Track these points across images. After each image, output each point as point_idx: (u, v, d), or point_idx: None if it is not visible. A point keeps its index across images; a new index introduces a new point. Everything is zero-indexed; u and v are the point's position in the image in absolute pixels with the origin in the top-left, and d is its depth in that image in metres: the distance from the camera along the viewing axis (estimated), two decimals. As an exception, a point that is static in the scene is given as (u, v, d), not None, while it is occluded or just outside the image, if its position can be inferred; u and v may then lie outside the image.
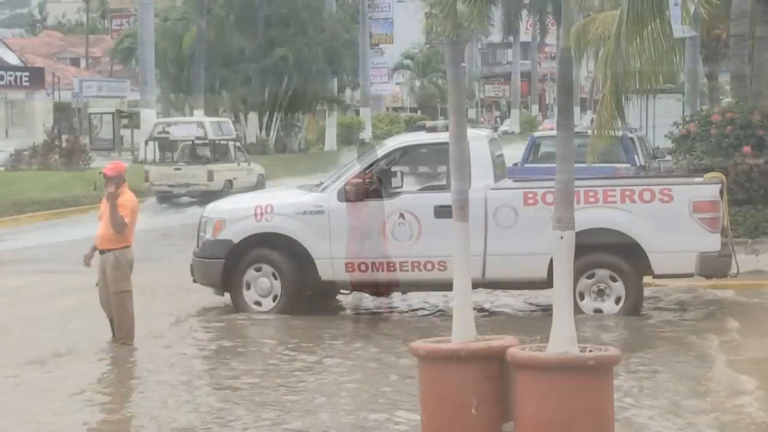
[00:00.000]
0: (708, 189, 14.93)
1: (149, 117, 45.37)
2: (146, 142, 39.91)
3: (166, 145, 36.95)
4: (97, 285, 13.65)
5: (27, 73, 60.26)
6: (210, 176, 34.44)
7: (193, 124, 37.34)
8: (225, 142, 36.67)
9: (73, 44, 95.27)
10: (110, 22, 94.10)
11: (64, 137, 41.32)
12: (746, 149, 19.11)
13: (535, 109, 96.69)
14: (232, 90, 56.47)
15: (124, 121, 61.08)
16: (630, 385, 11.23)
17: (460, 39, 9.46)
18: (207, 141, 36.07)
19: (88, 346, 13.60)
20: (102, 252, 13.50)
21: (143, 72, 45.60)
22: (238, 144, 38.25)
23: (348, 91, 71.88)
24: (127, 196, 13.52)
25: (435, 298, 16.41)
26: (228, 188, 33.21)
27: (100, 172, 13.78)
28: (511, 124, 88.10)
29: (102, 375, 12.46)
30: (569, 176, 8.81)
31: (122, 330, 13.54)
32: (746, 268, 16.46)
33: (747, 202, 19.07)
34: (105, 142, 60.15)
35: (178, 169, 35.01)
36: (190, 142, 36.33)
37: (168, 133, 36.83)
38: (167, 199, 34.57)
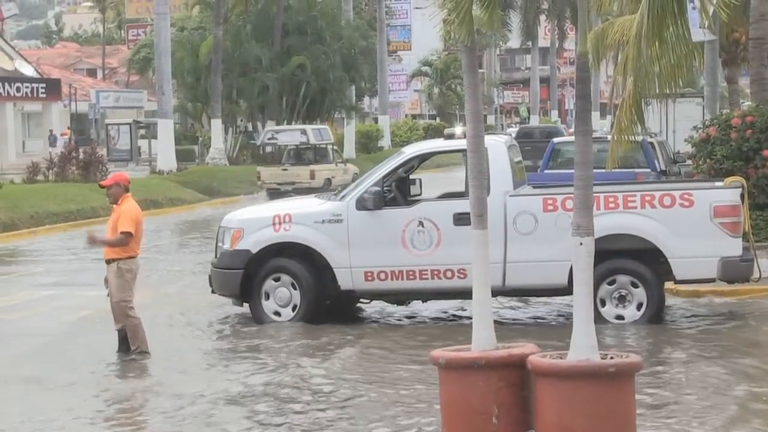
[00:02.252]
0: (729, 193, 14.88)
1: (166, 127, 45.51)
2: (258, 146, 47.43)
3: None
4: (108, 296, 13.73)
5: (43, 85, 60.37)
6: (312, 175, 39.56)
7: (297, 131, 42.91)
8: (324, 146, 42.09)
9: (90, 55, 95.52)
10: (126, 32, 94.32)
11: (81, 149, 41.44)
12: (767, 153, 19.05)
13: (554, 114, 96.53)
14: (249, 99, 56.52)
15: (142, 131, 61.34)
16: (653, 391, 11.21)
17: (476, 45, 9.46)
18: (309, 145, 41.53)
19: (99, 359, 13.65)
20: (107, 262, 13.58)
21: (160, 82, 45.66)
22: (335, 148, 43.66)
23: (366, 99, 71.86)
24: (127, 206, 13.55)
25: (455, 306, 16.39)
26: (327, 185, 37.52)
27: (100, 185, 13.92)
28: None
29: (115, 393, 12.48)
30: (588, 182, 8.80)
31: (135, 340, 13.57)
32: (768, 273, 16.40)
33: (769, 206, 19.02)
34: (122, 153, 60.36)
35: (285, 169, 40.50)
36: (295, 146, 41.68)
37: (276, 138, 43.38)
38: (276, 195, 37.28)
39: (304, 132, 42.17)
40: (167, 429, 10.64)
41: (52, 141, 59.13)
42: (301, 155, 41.65)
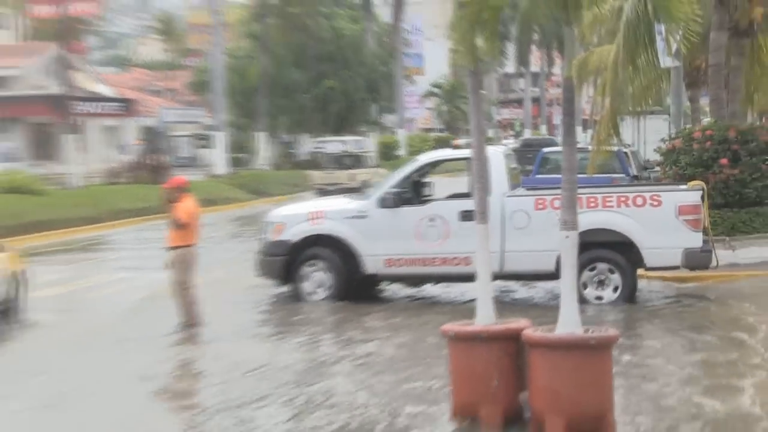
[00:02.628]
0: (691, 195, 14.85)
1: (221, 138, 45.71)
2: (297, 155, 51.01)
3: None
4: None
5: (121, 104, 60.57)
6: (351, 178, 40.36)
7: (339, 142, 45.09)
8: (361, 154, 43.63)
9: (157, 79, 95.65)
10: (187, 60, 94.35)
11: (150, 156, 41.64)
12: (723, 161, 18.95)
13: (544, 129, 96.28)
14: (289, 115, 56.61)
15: (201, 142, 61.43)
16: (627, 359, 11.15)
17: (478, 70, 9.43)
18: (349, 153, 43.23)
19: (162, 330, 13.64)
20: (171, 249, 13.63)
21: (215, 101, 45.85)
22: (370, 154, 45.22)
23: (386, 115, 71.82)
24: (185, 204, 13.63)
25: (461, 288, 16.34)
26: (364, 186, 37.49)
27: (162, 188, 14.03)
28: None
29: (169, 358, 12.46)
30: (573, 185, 8.76)
31: (185, 315, 13.60)
32: (724, 262, 16.33)
33: (724, 206, 18.90)
34: (184, 160, 60.46)
35: (330, 173, 41.54)
36: (338, 154, 43.37)
37: (323, 148, 45.22)
38: (324, 193, 38.23)
39: (345, 142, 43.79)
40: (219, 397, 10.59)
41: (122, 150, 59.40)
42: (343, 161, 42.40)
